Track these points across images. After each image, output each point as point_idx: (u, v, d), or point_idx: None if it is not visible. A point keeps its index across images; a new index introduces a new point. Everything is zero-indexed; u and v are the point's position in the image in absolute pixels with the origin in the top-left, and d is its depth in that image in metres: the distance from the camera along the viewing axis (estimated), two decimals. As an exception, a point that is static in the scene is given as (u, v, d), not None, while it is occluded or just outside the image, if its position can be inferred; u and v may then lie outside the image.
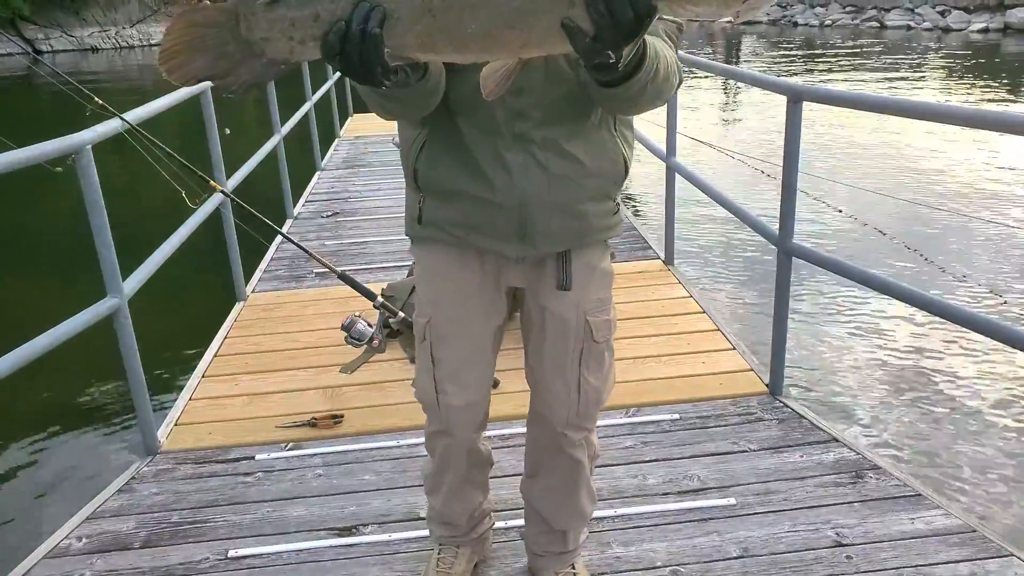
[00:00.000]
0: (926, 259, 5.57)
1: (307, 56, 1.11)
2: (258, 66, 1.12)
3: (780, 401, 2.75)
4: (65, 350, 2.23)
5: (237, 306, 3.86)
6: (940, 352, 4.26)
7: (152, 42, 35.41)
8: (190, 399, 2.95)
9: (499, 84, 1.12)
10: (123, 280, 2.45)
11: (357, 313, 3.03)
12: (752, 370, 2.96)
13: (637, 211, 6.85)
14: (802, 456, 2.42)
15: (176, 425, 2.77)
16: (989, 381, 3.97)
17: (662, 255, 4.21)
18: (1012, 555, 1.95)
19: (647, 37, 1.15)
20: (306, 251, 3.11)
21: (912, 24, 28.06)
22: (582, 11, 1.00)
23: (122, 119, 2.66)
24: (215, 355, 3.33)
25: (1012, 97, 13.67)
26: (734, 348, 3.14)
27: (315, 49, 1.08)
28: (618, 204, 1.54)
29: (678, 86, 1.35)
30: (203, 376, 3.12)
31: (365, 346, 3.00)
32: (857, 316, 4.75)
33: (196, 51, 1.11)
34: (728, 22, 1.11)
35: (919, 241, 5.96)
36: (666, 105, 3.95)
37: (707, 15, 1.05)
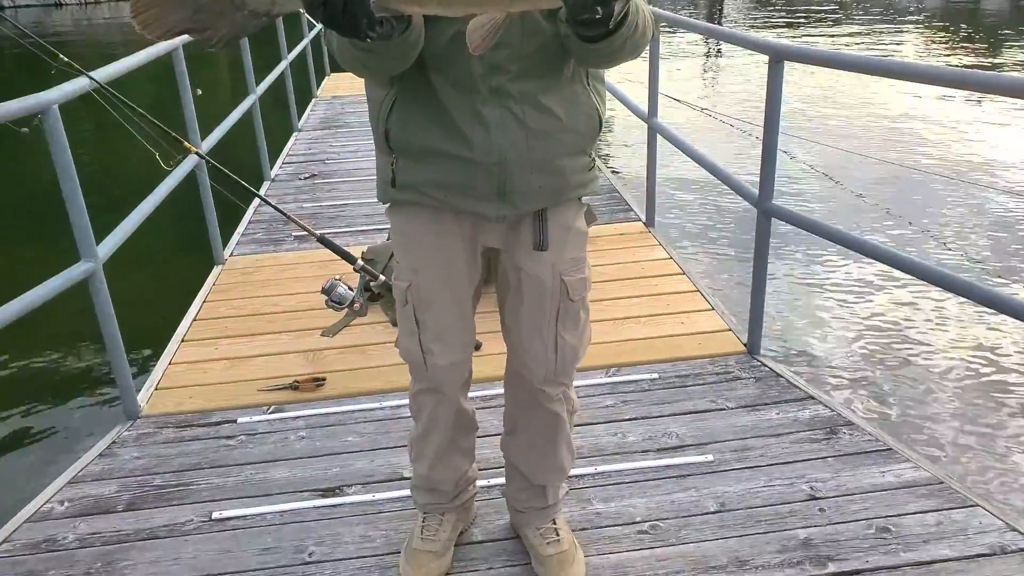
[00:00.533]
0: (909, 222, 5.63)
1: (289, 7, 1.09)
2: (239, 18, 1.09)
3: (757, 360, 2.79)
4: (41, 316, 2.20)
5: (215, 270, 3.83)
6: (915, 313, 4.33)
7: (120, -2, 34.40)
8: (170, 363, 2.93)
9: (486, 39, 1.10)
10: (97, 244, 2.42)
11: (337, 277, 3.02)
12: (730, 330, 3.00)
13: (618, 172, 6.83)
14: (778, 413, 2.46)
15: (156, 389, 2.76)
16: (961, 341, 4.05)
17: (643, 217, 4.21)
18: (977, 505, 2.01)
19: None
20: (284, 214, 3.08)
21: (893, -17, 27.91)
22: None
23: (90, 77, 2.59)
24: (194, 319, 3.30)
25: (992, 56, 13.71)
26: (713, 309, 3.17)
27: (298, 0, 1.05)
28: (593, 159, 1.53)
29: (651, 38, 1.35)
30: (182, 340, 3.11)
31: (346, 310, 2.99)
32: (836, 277, 4.81)
33: (174, 4, 1.07)
34: None
35: (902, 205, 6.01)
36: (648, 65, 3.94)
37: None
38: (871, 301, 4.49)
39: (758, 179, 2.66)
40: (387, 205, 1.57)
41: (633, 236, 4.02)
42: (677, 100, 6.95)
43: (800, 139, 7.34)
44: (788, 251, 5.08)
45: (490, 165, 1.39)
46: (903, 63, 2.29)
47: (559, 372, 1.64)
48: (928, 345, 4.01)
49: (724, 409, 2.50)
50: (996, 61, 13.31)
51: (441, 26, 1.28)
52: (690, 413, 2.49)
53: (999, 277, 4.77)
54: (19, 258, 5.56)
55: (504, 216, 1.47)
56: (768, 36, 15.62)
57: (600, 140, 1.74)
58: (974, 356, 3.89)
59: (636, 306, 3.21)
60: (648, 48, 1.58)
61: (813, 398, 2.54)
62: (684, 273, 3.52)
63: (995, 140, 7.97)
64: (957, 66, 12.92)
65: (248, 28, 1.11)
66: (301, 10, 1.07)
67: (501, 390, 1.85)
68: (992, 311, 2.05)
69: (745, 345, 2.86)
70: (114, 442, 2.47)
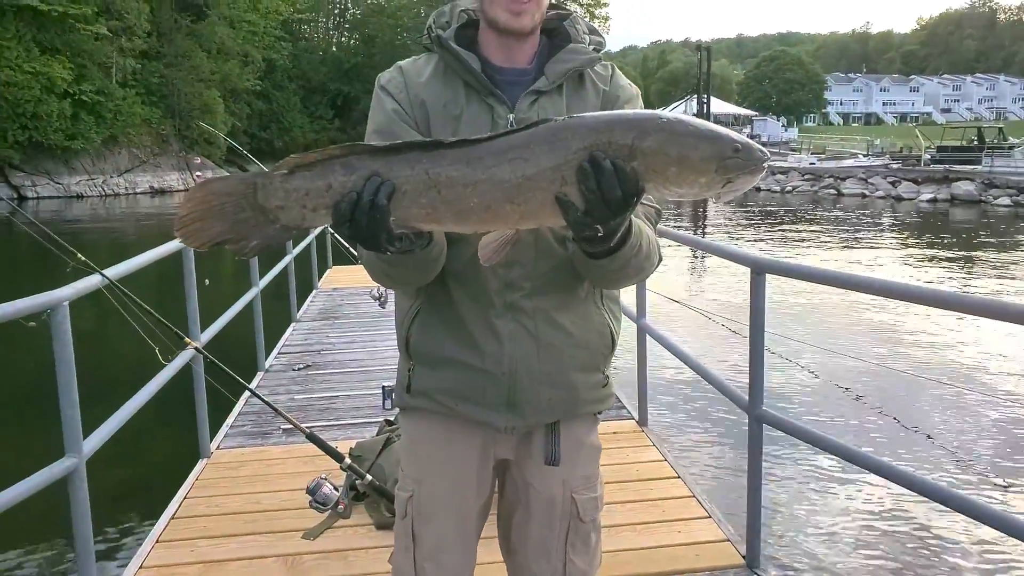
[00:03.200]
0: (901, 424, 5.61)
1: (318, 223, 1.19)
2: (271, 230, 1.19)
3: (757, 574, 2.67)
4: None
5: (200, 463, 3.73)
6: (922, 521, 4.20)
7: (138, 190, 36.40)
8: (140, 567, 2.78)
9: (496, 252, 1.20)
10: (84, 438, 2.38)
11: (323, 476, 2.95)
12: (728, 540, 2.89)
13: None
14: (783, 637, 2.32)
15: (122, 597, 2.60)
16: (965, 551, 3.90)
17: (636, 415, 4.19)
18: None
19: (631, 217, 1.23)
20: (274, 408, 3.07)
21: (866, 192, 29.88)
22: (575, 188, 1.12)
23: (103, 275, 2.69)
24: (172, 517, 3.17)
25: (966, 263, 14.35)
26: (709, 516, 3.07)
27: (326, 216, 1.16)
28: (607, 377, 1.54)
29: (658, 263, 1.42)
30: (157, 541, 2.96)
31: (329, 511, 2.90)
32: (835, 480, 4.71)
33: (214, 217, 1.17)
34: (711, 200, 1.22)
35: (894, 406, 6.03)
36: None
37: (690, 196, 1.17)
38: (875, 507, 4.37)
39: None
40: (401, 411, 1.57)
41: (626, 435, 3.98)
42: (674, 300, 7.18)
43: (789, 339, 7.49)
44: (786, 451, 5.01)
45: (499, 375, 1.42)
46: (878, 280, 2.40)
47: None
48: (936, 558, 3.85)
49: (725, 630, 2.35)
50: (970, 267, 13.92)
51: (463, 245, 1.36)
52: (689, 634, 2.33)
53: (992, 479, 4.68)
54: (3, 445, 5.43)
55: (513, 427, 1.46)
56: (750, 243, 16.38)
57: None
58: (979, 569, 3.73)
59: (630, 512, 3.11)
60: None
61: (818, 619, 2.40)
62: (679, 476, 3.45)
63: (981, 341, 8.15)
64: (932, 269, 13.51)
65: (278, 239, 1.21)
66: (328, 225, 1.17)
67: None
68: (989, 527, 2.00)
69: (744, 557, 2.75)
70: (69, 658, 2.28)
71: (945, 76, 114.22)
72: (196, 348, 3.25)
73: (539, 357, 1.43)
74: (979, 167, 28.86)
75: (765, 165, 1.13)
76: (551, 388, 1.45)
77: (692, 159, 1.11)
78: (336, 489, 2.95)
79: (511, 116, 1.38)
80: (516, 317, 1.41)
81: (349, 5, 57.67)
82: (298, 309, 7.16)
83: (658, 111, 1.18)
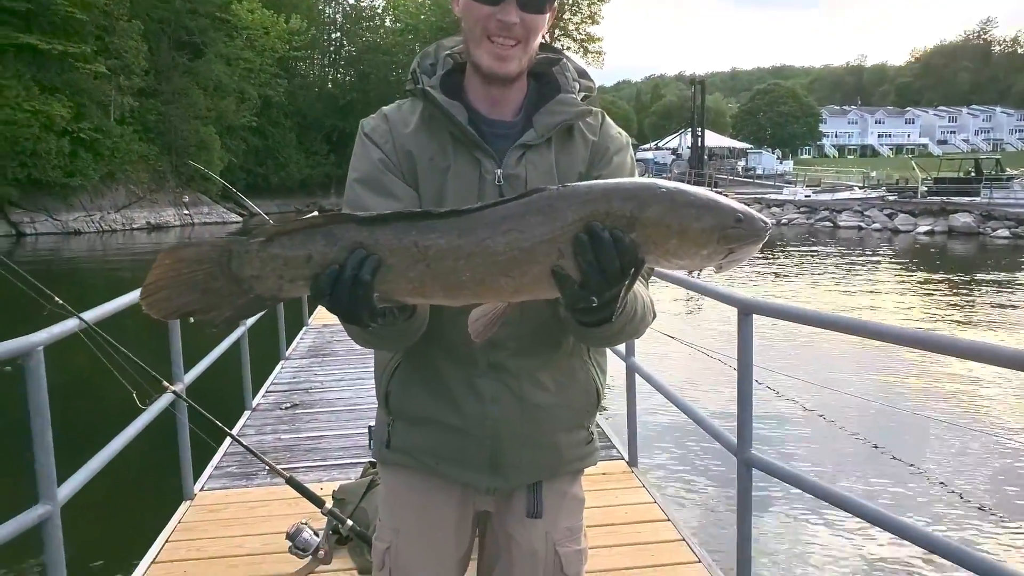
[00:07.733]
0: (897, 464, 5.54)
1: (295, 293, 1.12)
2: (243, 301, 1.12)
3: (748, 622, 2.60)
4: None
5: (183, 506, 3.67)
6: (915, 569, 4.12)
7: (134, 226, 36.45)
8: (116, 617, 2.71)
9: (488, 327, 1.15)
10: (58, 485, 2.33)
11: (304, 520, 2.89)
12: (718, 586, 2.83)
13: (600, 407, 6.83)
14: None
15: (95, 649, 2.52)
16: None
17: (626, 456, 4.14)
18: None
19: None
20: (254, 453, 3.02)
21: (863, 225, 29.93)
22: (571, 260, 1.06)
23: (80, 318, 2.66)
24: (153, 561, 3.12)
25: (968, 301, 14.32)
26: (699, 561, 3.01)
27: (304, 287, 1.10)
28: (592, 433, 1.51)
29: (652, 321, 1.38)
30: (134, 589, 2.90)
31: (310, 557, 2.83)
32: (828, 525, 4.63)
33: (182, 287, 1.10)
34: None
35: (889, 445, 5.96)
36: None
37: (691, 267, 1.13)
38: (868, 553, 4.29)
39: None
40: (380, 463, 1.53)
41: (616, 476, 3.92)
42: (668, 336, 7.14)
43: (783, 375, 7.45)
44: (778, 492, 4.93)
45: (482, 437, 1.38)
46: (868, 323, 2.38)
47: None
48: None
49: None
50: (970, 302, 13.88)
51: None
52: None
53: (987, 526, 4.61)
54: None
55: (495, 488, 1.43)
56: (744, 276, 16.37)
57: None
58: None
59: (619, 556, 3.05)
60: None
61: (810, 670, 2.33)
62: (669, 519, 3.39)
63: (978, 379, 8.10)
64: (932, 306, 13.49)
65: (250, 311, 1.13)
66: (306, 295, 1.12)
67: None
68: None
69: (734, 604, 2.68)
70: None
71: (940, 108, 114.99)
72: (175, 392, 3.20)
73: (523, 418, 1.39)
74: (977, 199, 28.88)
75: (766, 235, 1.10)
76: (534, 449, 1.41)
77: (694, 230, 1.06)
78: (316, 534, 2.89)
79: (499, 171, 1.33)
80: (500, 377, 1.37)
81: (344, 43, 58.33)
82: (287, 346, 7.11)
83: (656, 180, 1.14)
